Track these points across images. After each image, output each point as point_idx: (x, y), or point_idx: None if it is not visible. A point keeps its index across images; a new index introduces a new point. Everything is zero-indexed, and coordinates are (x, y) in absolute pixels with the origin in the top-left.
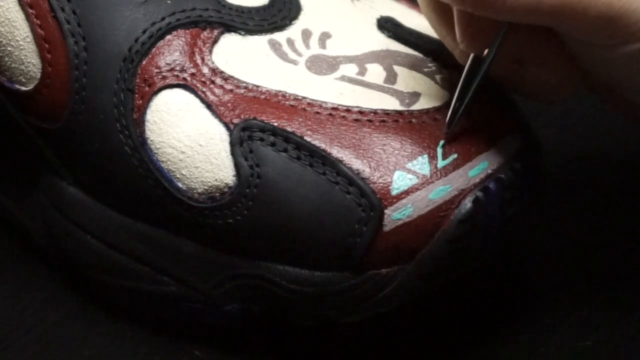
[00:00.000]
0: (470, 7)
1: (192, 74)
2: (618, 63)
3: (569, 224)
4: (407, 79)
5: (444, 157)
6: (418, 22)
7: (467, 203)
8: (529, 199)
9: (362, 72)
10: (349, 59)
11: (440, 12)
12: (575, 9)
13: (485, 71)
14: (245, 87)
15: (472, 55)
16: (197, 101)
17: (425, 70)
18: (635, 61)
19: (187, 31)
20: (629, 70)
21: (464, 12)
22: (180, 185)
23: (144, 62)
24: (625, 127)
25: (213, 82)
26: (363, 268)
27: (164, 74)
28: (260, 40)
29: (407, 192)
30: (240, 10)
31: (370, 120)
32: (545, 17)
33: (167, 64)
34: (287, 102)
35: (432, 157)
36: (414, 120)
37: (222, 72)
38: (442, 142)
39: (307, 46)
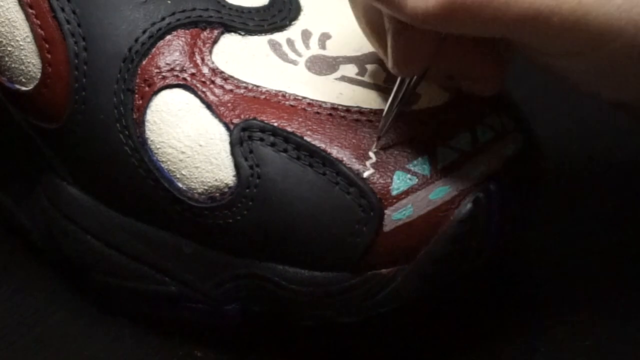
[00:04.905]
0: (438, 23)
1: (192, 74)
2: (580, 69)
3: (569, 224)
4: None
5: (444, 157)
6: None
7: (467, 203)
8: (529, 199)
9: (362, 72)
10: (349, 60)
11: (374, 31)
12: (539, 17)
13: (413, 87)
14: (245, 87)
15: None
16: (197, 101)
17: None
18: (599, 65)
19: (187, 31)
20: (592, 75)
21: (397, 40)
22: (180, 185)
23: (144, 62)
24: (625, 127)
25: (213, 82)
26: (363, 268)
27: (164, 74)
28: (260, 41)
29: (407, 193)
30: (240, 10)
31: (370, 121)
32: (511, 28)
33: (167, 64)
34: (287, 102)
35: (432, 158)
36: (413, 120)
37: (222, 72)
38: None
39: (307, 46)
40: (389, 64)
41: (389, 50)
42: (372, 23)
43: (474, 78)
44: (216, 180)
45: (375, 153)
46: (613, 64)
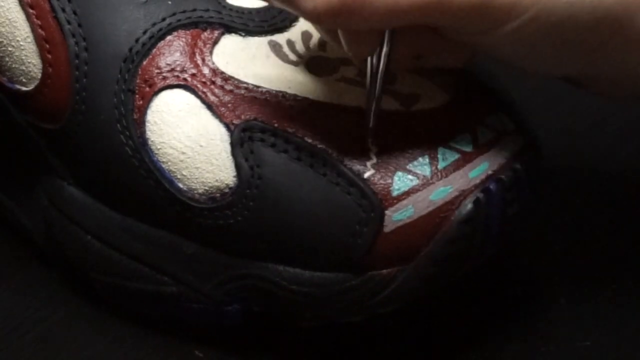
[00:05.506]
0: (331, 22)
1: (193, 75)
2: (498, 45)
3: (569, 224)
4: (406, 81)
5: (445, 157)
6: None
7: (468, 204)
8: (529, 200)
9: (362, 73)
10: (349, 61)
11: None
12: (438, 4)
13: (382, 72)
14: (246, 88)
15: (368, 60)
16: (197, 102)
17: (424, 71)
18: (514, 40)
19: (188, 32)
20: (513, 50)
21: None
22: (180, 185)
23: (144, 63)
24: (625, 127)
25: (213, 82)
26: (363, 269)
27: (164, 74)
28: (260, 42)
29: (407, 193)
30: (241, 11)
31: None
32: (411, 17)
33: (168, 64)
34: (287, 103)
35: (433, 158)
36: (413, 121)
37: (222, 72)
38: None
39: (307, 48)
40: (345, 48)
41: (341, 36)
42: None
43: (441, 52)
44: (217, 180)
45: (376, 154)
46: (523, 38)
